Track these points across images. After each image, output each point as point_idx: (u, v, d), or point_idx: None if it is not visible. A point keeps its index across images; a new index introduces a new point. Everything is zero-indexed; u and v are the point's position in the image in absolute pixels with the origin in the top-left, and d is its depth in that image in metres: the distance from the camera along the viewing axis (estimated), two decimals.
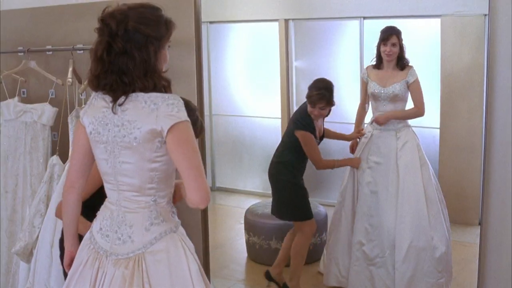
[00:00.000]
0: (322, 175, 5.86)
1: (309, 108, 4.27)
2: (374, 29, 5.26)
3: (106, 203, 2.29)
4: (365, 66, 5.15)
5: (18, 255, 3.45)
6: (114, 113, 2.10)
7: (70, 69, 3.50)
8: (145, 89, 2.08)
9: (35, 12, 3.84)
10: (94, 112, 2.18)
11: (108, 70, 2.09)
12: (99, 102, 2.18)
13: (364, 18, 5.31)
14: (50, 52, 3.70)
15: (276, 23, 5.90)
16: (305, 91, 5.89)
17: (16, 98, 3.70)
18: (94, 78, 2.14)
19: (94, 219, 2.34)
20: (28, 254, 3.48)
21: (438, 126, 4.79)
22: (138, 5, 2.15)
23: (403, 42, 4.10)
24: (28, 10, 3.85)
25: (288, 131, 4.40)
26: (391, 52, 4.01)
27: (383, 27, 5.20)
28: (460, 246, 4.45)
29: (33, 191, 3.60)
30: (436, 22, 4.78)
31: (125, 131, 2.08)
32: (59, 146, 3.58)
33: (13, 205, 3.67)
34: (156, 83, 2.10)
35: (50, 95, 3.68)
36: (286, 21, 5.86)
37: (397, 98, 4.05)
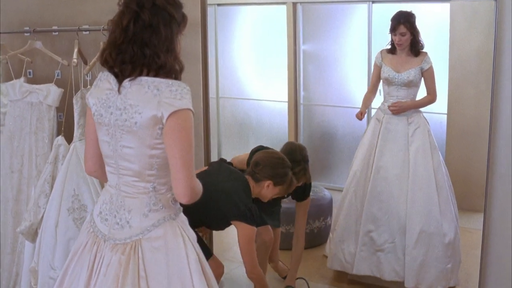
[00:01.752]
0: (328, 160, 5.87)
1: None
2: (383, 12, 5.23)
3: (106, 186, 2.28)
4: (373, 50, 5.13)
5: (23, 234, 3.48)
6: (119, 94, 2.09)
7: (76, 49, 3.50)
8: (162, 67, 2.06)
9: None
10: (98, 94, 2.17)
11: (131, 41, 2.07)
12: (104, 84, 2.17)
13: (373, 1, 5.27)
14: (56, 33, 3.69)
15: (284, 6, 5.87)
16: (312, 75, 5.89)
17: (22, 79, 3.70)
18: (114, 48, 2.10)
19: (96, 202, 2.34)
20: (33, 234, 3.50)
21: (446, 112, 4.77)
22: None
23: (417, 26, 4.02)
24: None
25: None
26: (400, 42, 3.98)
27: (391, 11, 5.19)
28: (466, 233, 4.45)
29: (38, 171, 3.61)
30: (445, 6, 4.74)
31: (126, 115, 2.07)
32: (65, 127, 3.58)
33: (19, 185, 3.68)
34: (174, 65, 2.09)
35: (56, 75, 3.67)
36: (294, 4, 5.83)
37: (411, 84, 4.02)
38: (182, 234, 2.18)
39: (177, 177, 2.01)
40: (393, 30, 4.00)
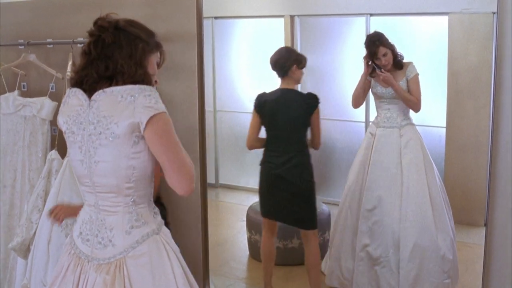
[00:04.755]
0: (326, 173, 5.82)
1: (295, 74, 4.01)
2: (381, 26, 5.22)
3: (84, 206, 2.25)
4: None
5: (15, 250, 3.42)
6: (89, 108, 2.07)
7: (70, 62, 3.47)
8: (125, 74, 2.06)
9: (35, 5, 3.81)
10: (68, 111, 2.16)
11: (93, 60, 2.09)
12: (72, 100, 2.16)
13: (371, 15, 5.26)
14: (50, 46, 3.66)
15: (282, 19, 5.86)
16: (309, 88, 5.86)
17: (16, 92, 3.66)
18: (77, 71, 2.15)
19: (74, 223, 2.31)
20: (25, 250, 3.44)
21: (445, 125, 4.75)
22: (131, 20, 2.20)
23: (391, 40, 4.01)
24: (28, 3, 3.81)
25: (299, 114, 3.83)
26: (386, 62, 3.96)
27: (389, 24, 5.19)
28: (465, 247, 4.41)
29: (31, 186, 3.56)
30: (444, 19, 4.73)
31: (101, 128, 2.05)
32: (58, 141, 3.53)
33: (11, 199, 3.63)
34: (138, 70, 2.08)
35: (50, 89, 3.64)
36: (292, 17, 5.82)
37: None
38: (166, 248, 2.17)
39: (176, 179, 2.03)
40: (374, 54, 3.96)
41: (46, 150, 3.58)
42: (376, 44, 3.94)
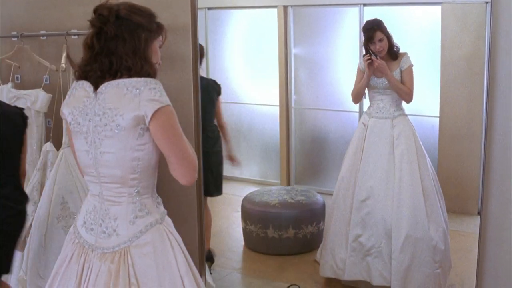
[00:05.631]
0: (320, 163, 5.85)
1: None
2: (374, 16, 5.21)
3: (88, 196, 2.26)
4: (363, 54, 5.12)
5: None
6: (95, 100, 2.09)
7: (64, 54, 3.44)
8: (131, 70, 2.07)
9: None
10: (74, 102, 2.17)
11: (97, 55, 2.10)
12: (79, 92, 2.17)
13: (364, 5, 5.27)
14: (44, 38, 3.63)
15: (275, 10, 5.86)
16: (303, 78, 5.87)
17: (10, 84, 3.64)
18: (81, 66, 2.16)
19: (78, 213, 2.32)
20: (21, 242, 3.43)
21: (438, 115, 4.77)
22: (130, 2, 2.19)
23: (389, 30, 3.99)
24: None
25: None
26: (380, 48, 3.94)
27: (383, 14, 5.17)
28: (458, 236, 4.44)
29: (26, 179, 3.55)
30: (437, 9, 4.75)
31: (106, 119, 2.07)
32: (53, 133, 3.52)
33: None
34: (144, 65, 2.10)
35: (44, 81, 3.62)
36: (285, 7, 5.82)
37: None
38: (169, 238, 2.19)
39: (180, 172, 2.08)
40: (370, 39, 3.96)
41: (41, 142, 3.57)
42: (374, 28, 3.94)
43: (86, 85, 2.14)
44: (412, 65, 3.98)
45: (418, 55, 4.81)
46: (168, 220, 2.26)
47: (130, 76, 2.08)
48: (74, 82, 2.20)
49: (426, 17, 4.99)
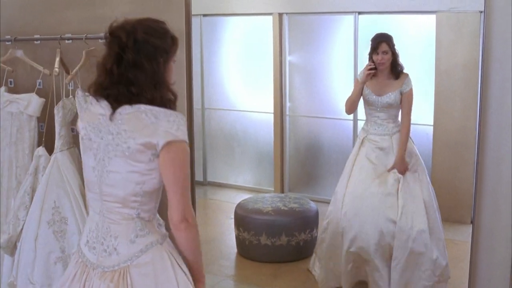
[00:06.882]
0: (314, 171, 5.84)
1: None
2: (369, 24, 5.24)
3: (91, 214, 2.26)
4: (359, 61, 5.13)
5: (1, 247, 3.39)
6: (111, 121, 2.09)
7: (57, 58, 3.43)
8: (152, 101, 2.07)
9: (23, 1, 3.77)
10: (90, 118, 2.16)
11: (116, 82, 2.09)
12: (95, 109, 2.15)
13: (359, 13, 5.28)
14: (38, 42, 3.62)
15: (271, 17, 5.87)
16: (298, 86, 5.87)
17: (3, 88, 3.63)
18: (99, 87, 2.13)
19: (82, 232, 2.33)
20: (12, 247, 3.42)
21: (432, 123, 4.77)
22: (144, 19, 2.16)
23: (396, 48, 3.99)
24: None
25: None
26: (383, 60, 3.94)
27: (378, 22, 5.20)
28: (452, 244, 4.44)
29: (18, 183, 3.53)
30: (431, 18, 4.76)
31: (119, 140, 2.06)
32: (46, 138, 3.51)
33: None
34: (163, 95, 2.10)
35: (37, 85, 3.61)
36: (280, 15, 5.83)
37: (391, 107, 3.99)
38: (170, 258, 2.16)
39: (172, 205, 2.05)
40: (375, 48, 3.95)
41: (33, 146, 3.55)
42: (381, 39, 3.94)
43: (103, 103, 2.12)
44: (412, 87, 3.98)
45: (413, 63, 4.82)
46: (169, 241, 2.23)
47: (151, 104, 2.08)
48: (90, 97, 2.19)
49: (421, 26, 5.00)
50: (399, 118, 4.03)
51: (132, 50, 2.06)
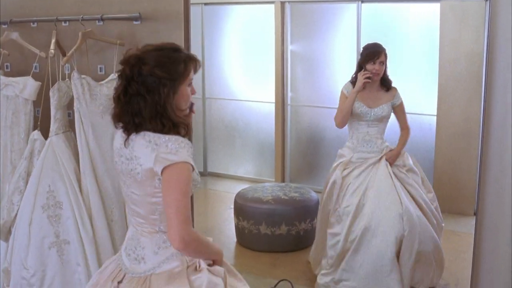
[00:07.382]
0: (315, 161, 5.80)
1: None
2: (372, 12, 5.18)
3: (129, 224, 2.45)
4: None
5: None
6: (126, 147, 2.24)
7: (53, 40, 3.38)
8: (155, 130, 2.18)
9: None
10: (116, 141, 2.34)
11: (124, 110, 2.22)
12: (117, 135, 2.33)
13: (362, 1, 5.22)
14: (34, 25, 3.58)
15: (272, 5, 5.81)
16: (300, 75, 5.82)
17: None
18: (115, 115, 2.28)
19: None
20: (6, 232, 3.38)
21: (435, 113, 4.72)
22: (157, 47, 2.23)
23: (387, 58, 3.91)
24: None
25: None
26: (379, 71, 3.85)
27: (381, 11, 5.14)
28: (454, 236, 4.41)
29: (13, 168, 3.48)
30: (436, 6, 4.70)
31: (132, 165, 2.22)
32: (41, 121, 3.46)
33: None
34: (165, 123, 2.18)
35: (33, 69, 3.56)
36: (282, 3, 5.77)
37: (382, 121, 3.91)
38: (189, 264, 2.28)
39: (170, 224, 2.13)
40: (373, 57, 3.85)
41: (28, 130, 3.51)
42: (380, 50, 3.85)
43: (119, 131, 2.29)
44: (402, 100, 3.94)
45: (416, 52, 4.77)
46: None
47: (154, 132, 2.19)
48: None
49: (425, 15, 4.94)
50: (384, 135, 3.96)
51: (136, 82, 2.17)
